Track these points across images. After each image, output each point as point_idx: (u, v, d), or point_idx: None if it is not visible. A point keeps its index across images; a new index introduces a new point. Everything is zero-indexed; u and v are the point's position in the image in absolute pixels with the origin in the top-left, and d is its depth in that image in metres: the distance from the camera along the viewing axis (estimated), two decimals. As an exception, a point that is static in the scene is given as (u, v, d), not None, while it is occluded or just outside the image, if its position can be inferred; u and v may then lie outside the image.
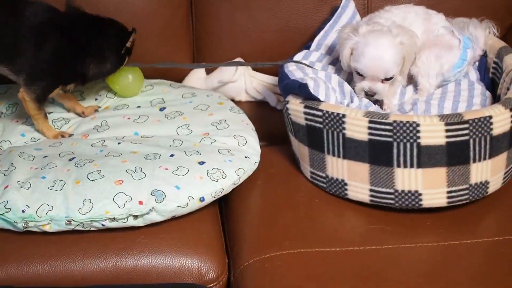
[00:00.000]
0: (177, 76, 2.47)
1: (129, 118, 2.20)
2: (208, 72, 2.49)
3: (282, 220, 1.92)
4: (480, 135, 1.82)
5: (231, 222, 1.98)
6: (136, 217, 1.83)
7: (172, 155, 1.99)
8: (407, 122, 1.81)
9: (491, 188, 1.92)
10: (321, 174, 1.98)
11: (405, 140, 1.82)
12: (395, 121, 1.82)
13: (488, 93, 2.18)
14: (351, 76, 2.20)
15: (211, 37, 2.49)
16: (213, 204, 1.99)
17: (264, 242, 1.85)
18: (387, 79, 2.11)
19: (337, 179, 1.95)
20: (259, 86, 2.45)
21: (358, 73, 2.11)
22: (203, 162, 1.96)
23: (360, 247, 1.81)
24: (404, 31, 2.12)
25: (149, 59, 2.33)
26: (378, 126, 1.84)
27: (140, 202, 1.82)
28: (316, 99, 1.93)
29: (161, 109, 2.23)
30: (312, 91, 1.93)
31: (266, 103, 2.45)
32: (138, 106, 2.27)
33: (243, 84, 2.46)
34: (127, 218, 1.82)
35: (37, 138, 2.17)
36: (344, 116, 1.87)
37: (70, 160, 1.97)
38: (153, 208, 1.83)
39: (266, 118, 2.35)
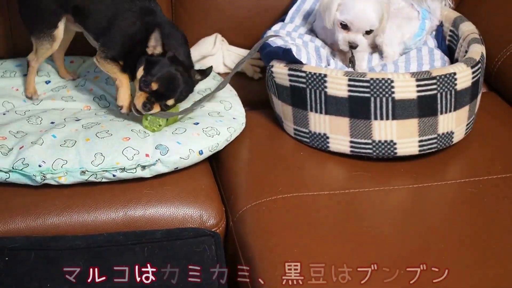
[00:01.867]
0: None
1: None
2: (187, 46, 2.67)
3: (272, 171, 2.11)
4: (446, 89, 2.05)
5: (225, 175, 2.16)
6: (143, 167, 2.00)
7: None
8: (383, 79, 2.03)
9: (456, 138, 2.15)
10: (304, 130, 2.18)
11: (381, 95, 2.03)
12: (371, 79, 2.03)
13: (446, 58, 2.41)
14: (325, 43, 2.41)
15: (188, 13, 2.66)
16: (206, 161, 2.17)
17: (258, 190, 2.03)
18: (367, 33, 2.31)
19: (319, 134, 2.15)
20: (236, 59, 2.64)
21: (343, 27, 2.29)
22: (198, 123, 2.15)
23: (345, 190, 2.02)
24: None
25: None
26: (356, 83, 2.05)
27: (147, 155, 2.00)
28: (299, 62, 2.13)
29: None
30: (295, 55, 2.13)
31: (244, 74, 2.64)
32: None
33: (221, 57, 2.65)
34: (135, 168, 1.99)
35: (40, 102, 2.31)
36: (325, 76, 2.08)
37: (76, 121, 2.13)
38: (158, 159, 2.00)
39: (246, 87, 2.54)
